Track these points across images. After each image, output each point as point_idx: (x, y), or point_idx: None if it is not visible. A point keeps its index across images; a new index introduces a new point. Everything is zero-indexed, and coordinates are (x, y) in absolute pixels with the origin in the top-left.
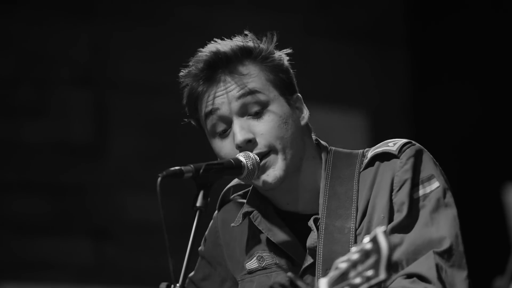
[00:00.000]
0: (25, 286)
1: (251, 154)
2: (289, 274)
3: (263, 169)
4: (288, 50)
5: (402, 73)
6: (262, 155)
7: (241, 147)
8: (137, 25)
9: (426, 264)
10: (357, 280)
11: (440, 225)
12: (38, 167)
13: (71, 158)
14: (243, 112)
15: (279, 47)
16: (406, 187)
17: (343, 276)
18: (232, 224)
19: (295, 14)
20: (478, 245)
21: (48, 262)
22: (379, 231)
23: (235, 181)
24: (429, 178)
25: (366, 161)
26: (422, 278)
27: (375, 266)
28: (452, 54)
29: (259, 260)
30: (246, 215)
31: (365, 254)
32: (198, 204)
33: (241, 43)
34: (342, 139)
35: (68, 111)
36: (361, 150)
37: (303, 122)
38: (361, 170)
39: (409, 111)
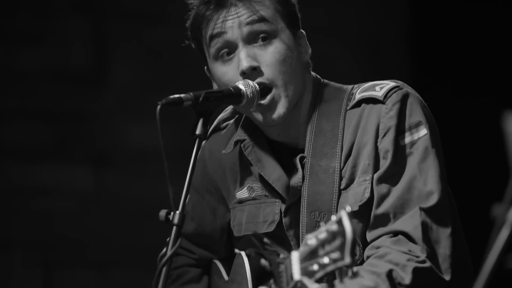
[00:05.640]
0: (24, 213)
1: (250, 82)
2: (265, 240)
3: (268, 106)
4: None
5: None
6: (265, 91)
7: (245, 74)
8: None
9: (411, 223)
10: (325, 260)
11: (428, 178)
12: (37, 95)
13: (70, 85)
14: (250, 39)
15: None
16: (391, 134)
17: (313, 253)
18: (223, 151)
19: None
20: (476, 172)
21: (47, 189)
22: (344, 214)
23: (227, 112)
24: (417, 125)
25: (353, 102)
26: (407, 236)
27: (341, 249)
28: None
29: (249, 190)
30: (238, 142)
31: (332, 235)
32: (197, 132)
33: None
34: (339, 71)
35: (67, 38)
36: (350, 86)
37: (305, 59)
38: (348, 108)
39: (407, 39)
